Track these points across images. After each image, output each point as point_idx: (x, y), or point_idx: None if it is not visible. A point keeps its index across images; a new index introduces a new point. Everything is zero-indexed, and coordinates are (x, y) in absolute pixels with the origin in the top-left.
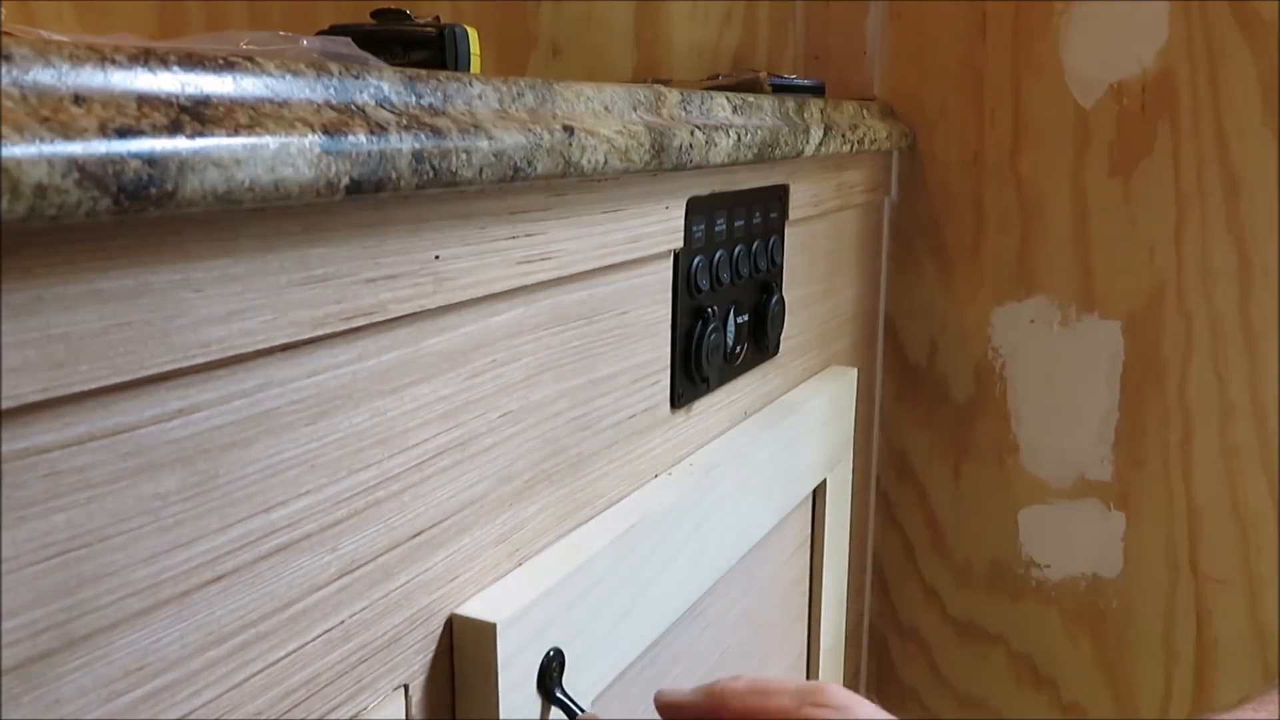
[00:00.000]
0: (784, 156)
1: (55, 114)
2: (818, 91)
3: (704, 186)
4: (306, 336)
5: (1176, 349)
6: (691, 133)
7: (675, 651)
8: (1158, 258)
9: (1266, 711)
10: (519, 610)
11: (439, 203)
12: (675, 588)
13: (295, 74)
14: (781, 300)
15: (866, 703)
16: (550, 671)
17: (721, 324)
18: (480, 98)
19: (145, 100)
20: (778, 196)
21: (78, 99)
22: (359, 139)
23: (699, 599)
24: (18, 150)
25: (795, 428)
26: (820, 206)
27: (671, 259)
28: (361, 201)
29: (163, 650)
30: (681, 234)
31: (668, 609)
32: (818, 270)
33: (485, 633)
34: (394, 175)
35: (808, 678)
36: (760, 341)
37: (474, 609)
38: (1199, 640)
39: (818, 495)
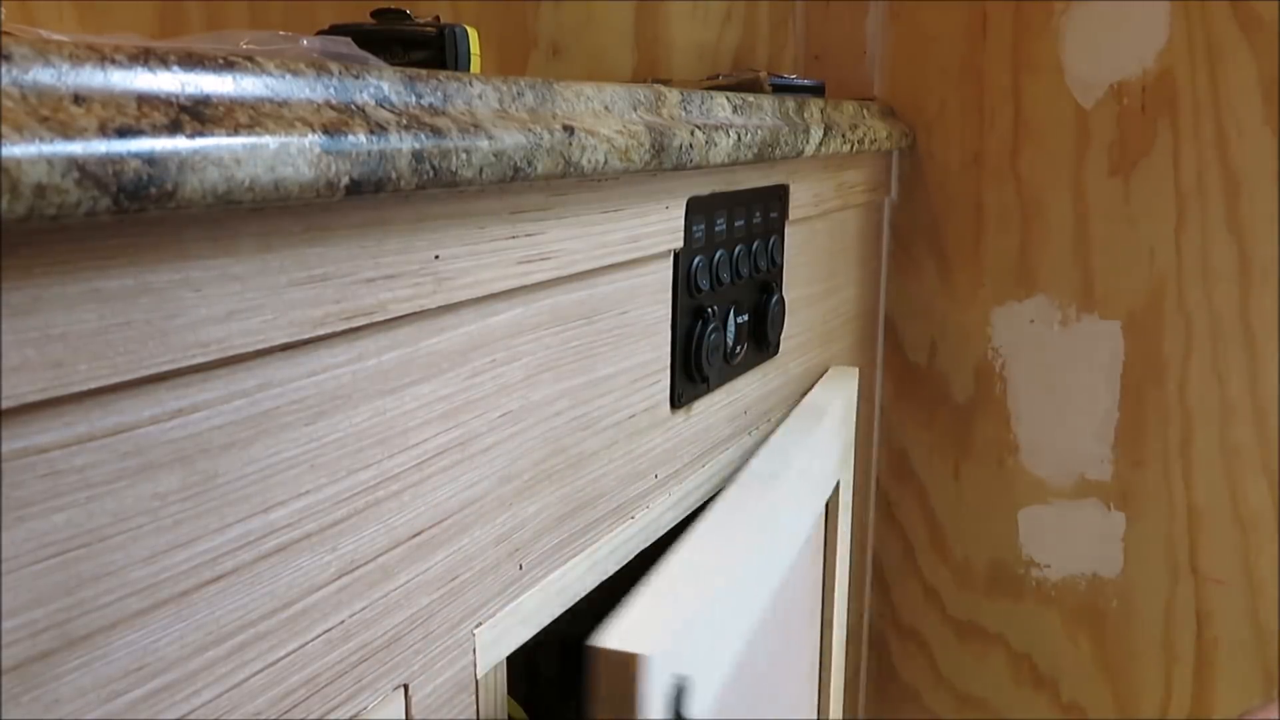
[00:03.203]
0: (784, 156)
1: (55, 113)
2: (818, 91)
3: (704, 186)
4: (306, 336)
5: (1176, 349)
6: (691, 132)
7: (741, 664)
8: (1158, 258)
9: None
10: (663, 641)
11: (439, 203)
12: (753, 601)
13: (295, 74)
14: (781, 300)
15: None
16: (678, 700)
17: (721, 324)
18: (480, 98)
19: (145, 100)
20: (778, 196)
21: (77, 98)
22: (359, 139)
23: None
24: (17, 150)
25: (825, 431)
26: (820, 206)
27: (671, 259)
28: (361, 201)
29: (162, 650)
30: (681, 234)
31: (747, 624)
32: (818, 270)
33: (629, 666)
34: (394, 175)
35: (820, 678)
36: (760, 341)
37: (616, 640)
38: (1199, 640)
39: (831, 495)
